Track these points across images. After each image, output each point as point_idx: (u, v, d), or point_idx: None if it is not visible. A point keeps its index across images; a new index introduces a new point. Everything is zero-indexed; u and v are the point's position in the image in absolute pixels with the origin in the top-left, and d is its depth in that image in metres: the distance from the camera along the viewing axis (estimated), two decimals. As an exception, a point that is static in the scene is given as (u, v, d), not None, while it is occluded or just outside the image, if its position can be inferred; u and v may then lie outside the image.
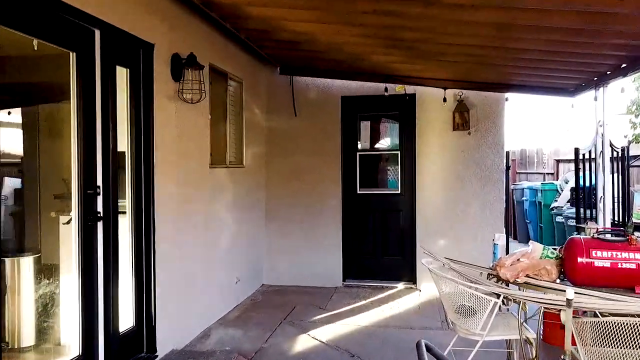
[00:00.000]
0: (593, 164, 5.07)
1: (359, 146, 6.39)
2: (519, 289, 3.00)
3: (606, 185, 4.65)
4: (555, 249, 3.07)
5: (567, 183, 8.88)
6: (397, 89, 6.04)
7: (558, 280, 2.89)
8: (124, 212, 3.59)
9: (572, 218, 7.63)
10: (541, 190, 9.11)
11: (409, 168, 6.23)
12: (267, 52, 5.54)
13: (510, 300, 2.86)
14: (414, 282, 6.16)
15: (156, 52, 3.76)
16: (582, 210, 5.26)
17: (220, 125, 5.10)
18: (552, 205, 8.71)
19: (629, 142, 6.89)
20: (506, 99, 5.85)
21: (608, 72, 4.51)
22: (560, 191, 8.92)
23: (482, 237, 5.94)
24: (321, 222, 6.28)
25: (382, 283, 6.23)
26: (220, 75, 5.06)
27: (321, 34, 4.41)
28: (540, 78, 5.16)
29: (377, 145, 6.58)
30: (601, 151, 4.76)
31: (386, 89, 5.96)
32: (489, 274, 3.30)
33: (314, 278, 6.27)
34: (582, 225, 3.35)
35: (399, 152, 6.31)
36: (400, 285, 6.18)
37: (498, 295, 2.84)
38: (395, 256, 6.33)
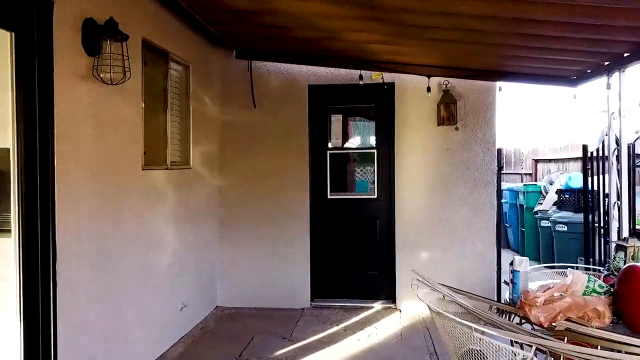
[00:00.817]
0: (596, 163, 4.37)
1: (330, 144, 5.50)
2: (555, 337, 2.17)
3: (623, 189, 3.92)
4: (600, 272, 2.26)
5: (551, 184, 8.26)
6: (374, 76, 5.19)
7: (611, 326, 2.08)
8: (8, 231, 2.59)
9: (561, 223, 6.99)
10: (523, 192, 8.46)
11: (387, 169, 5.38)
12: (218, 29, 4.58)
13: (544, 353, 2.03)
14: (394, 301, 5.32)
15: (58, 14, 2.77)
16: (590, 217, 4.54)
17: (158, 116, 4.12)
18: (536, 209, 8.07)
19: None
20: (499, 89, 5.08)
21: (626, 55, 3.79)
22: (544, 193, 8.29)
23: (473, 248, 5.15)
24: (286, 233, 5.36)
25: (357, 303, 5.36)
26: (158, 55, 4.08)
27: (284, 2, 3.50)
28: (540, 62, 4.40)
29: (350, 143, 5.71)
30: (615, 148, 4.03)
31: (361, 77, 5.10)
32: (505, 312, 2.47)
33: (278, 298, 5.35)
34: (623, 244, 2.55)
35: (375, 151, 5.45)
36: (378, 305, 5.33)
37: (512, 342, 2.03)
38: (371, 271, 5.47)
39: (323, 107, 5.45)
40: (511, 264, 2.47)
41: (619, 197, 4.03)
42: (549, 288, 2.18)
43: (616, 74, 3.97)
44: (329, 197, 5.46)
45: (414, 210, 5.26)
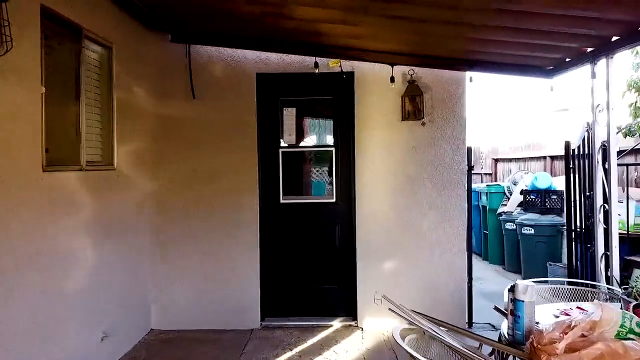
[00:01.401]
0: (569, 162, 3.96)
1: (283, 142, 4.85)
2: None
3: (612, 190, 3.47)
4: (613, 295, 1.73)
5: (515, 185, 7.94)
6: (331, 64, 4.59)
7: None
8: None
9: (528, 226, 6.62)
10: (486, 192, 8.10)
11: (347, 169, 4.79)
12: (147, 4, 3.85)
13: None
14: (355, 318, 4.72)
15: None
16: (572, 221, 4.10)
17: (68, 106, 3.35)
18: (499, 210, 7.72)
19: (624, 134, 5.88)
20: (469, 80, 4.58)
21: (615, 39, 3.35)
22: (507, 194, 7.95)
23: (442, 256, 4.64)
24: (232, 243, 4.66)
25: (314, 321, 4.73)
26: (67, 30, 3.31)
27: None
28: (515, 48, 3.92)
29: (306, 141, 5.08)
30: (602, 145, 3.59)
31: (316, 65, 4.48)
32: (502, 355, 1.91)
33: (224, 318, 4.64)
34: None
35: (333, 149, 4.84)
36: (337, 323, 4.72)
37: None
38: (329, 284, 4.85)
39: (274, 100, 4.79)
40: (511, 289, 1.91)
41: (605, 199, 3.59)
42: (569, 325, 1.63)
43: (602, 61, 3.53)
44: (281, 201, 4.80)
45: (376, 214, 4.69)
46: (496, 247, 7.74)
